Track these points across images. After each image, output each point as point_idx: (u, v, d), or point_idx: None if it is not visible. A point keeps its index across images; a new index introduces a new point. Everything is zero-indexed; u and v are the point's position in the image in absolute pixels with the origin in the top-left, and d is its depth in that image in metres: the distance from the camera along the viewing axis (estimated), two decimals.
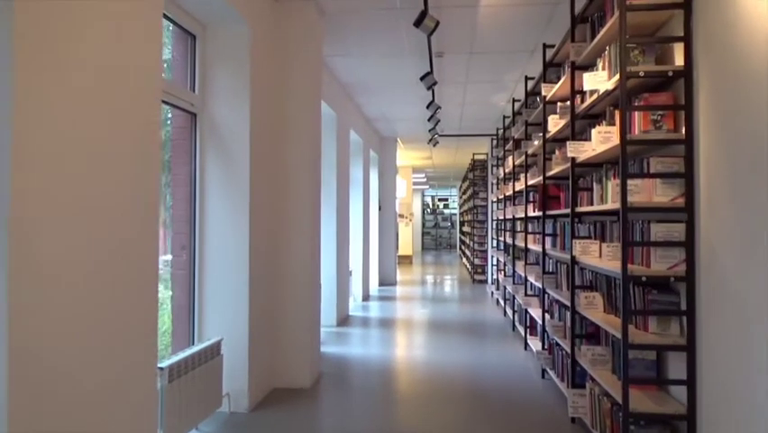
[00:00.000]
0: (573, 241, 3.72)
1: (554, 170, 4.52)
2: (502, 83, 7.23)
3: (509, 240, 7.68)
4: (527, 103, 6.12)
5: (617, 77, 2.90)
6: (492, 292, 10.03)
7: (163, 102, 3.60)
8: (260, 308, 4.20)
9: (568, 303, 3.96)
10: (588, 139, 3.84)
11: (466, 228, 16.60)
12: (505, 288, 8.01)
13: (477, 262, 12.64)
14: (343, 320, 7.67)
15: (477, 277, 12.50)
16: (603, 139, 3.18)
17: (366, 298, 9.83)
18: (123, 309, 2.43)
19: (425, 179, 21.54)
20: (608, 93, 3.21)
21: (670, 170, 2.79)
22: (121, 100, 2.41)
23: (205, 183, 3.97)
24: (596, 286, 3.71)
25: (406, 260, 18.18)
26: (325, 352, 5.90)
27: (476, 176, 12.85)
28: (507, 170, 7.76)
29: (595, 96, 3.41)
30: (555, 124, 4.48)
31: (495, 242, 10.03)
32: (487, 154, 12.34)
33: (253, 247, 4.02)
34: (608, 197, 3.39)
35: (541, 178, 5.03)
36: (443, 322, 7.75)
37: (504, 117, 8.28)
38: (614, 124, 3.24)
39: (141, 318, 2.58)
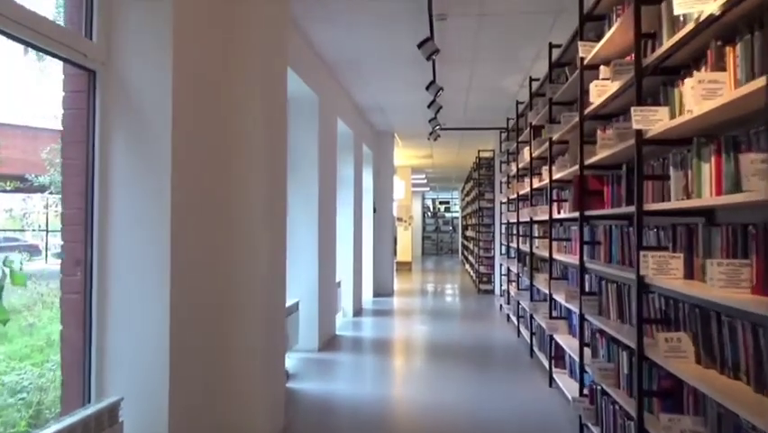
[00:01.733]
0: (642, 254, 2.53)
1: (599, 155, 3.34)
2: (516, 61, 6.05)
3: (524, 247, 6.49)
4: (552, 77, 4.93)
5: None
6: (501, 305, 8.83)
7: (41, 50, 2.43)
8: (189, 343, 3.01)
9: (628, 342, 2.77)
10: (660, 103, 2.66)
11: (470, 233, 15.41)
12: (518, 303, 6.82)
13: (482, 270, 11.45)
14: (328, 343, 6.46)
15: (482, 287, 11.30)
16: (706, 93, 2.00)
17: (358, 312, 8.64)
18: None
19: (425, 181, 20.37)
20: (711, 20, 2.03)
21: None
22: None
23: (109, 171, 2.77)
24: (676, 321, 2.51)
25: (405, 266, 16.99)
26: (299, 390, 4.70)
27: (481, 175, 11.67)
28: (521, 165, 6.57)
29: (684, 32, 2.22)
30: (601, 92, 3.29)
31: (504, 248, 8.83)
32: (493, 151, 11.16)
33: (178, 260, 2.83)
34: (701, 187, 2.21)
35: (576, 168, 3.84)
36: (446, 344, 6.54)
37: (517, 104, 7.10)
38: (723, 69, 2.05)
39: None
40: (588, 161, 3.59)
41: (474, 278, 12.73)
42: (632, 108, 2.55)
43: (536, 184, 5.66)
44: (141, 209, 2.76)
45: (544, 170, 5.03)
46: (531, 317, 5.85)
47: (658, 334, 2.39)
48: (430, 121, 8.04)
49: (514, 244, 7.49)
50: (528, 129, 5.92)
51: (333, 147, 6.95)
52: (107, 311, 2.74)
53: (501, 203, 8.93)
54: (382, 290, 10.75)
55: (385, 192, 11.00)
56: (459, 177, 19.67)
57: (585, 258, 3.79)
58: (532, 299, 5.79)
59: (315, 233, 6.00)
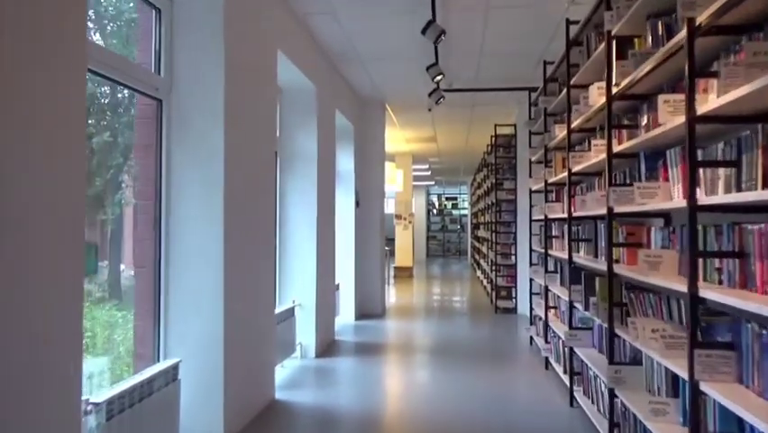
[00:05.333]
0: None
1: None
2: None
3: (584, 260, 3.84)
4: None
5: None
6: (532, 338, 6.17)
7: None
8: None
9: None
10: None
11: (482, 232, 12.73)
12: (571, 352, 4.15)
13: (500, 281, 8.77)
14: (254, 422, 3.83)
15: (500, 304, 8.62)
16: None
17: (327, 349, 5.98)
18: None
19: (429, 173, 17.68)
20: None
21: None
22: None
23: None
24: None
25: (404, 272, 14.32)
26: None
27: (499, 158, 8.99)
28: (579, 122, 3.89)
29: None
30: None
31: (537, 257, 6.18)
32: (515, 126, 8.50)
33: None
34: None
35: None
36: (456, 423, 3.90)
37: (568, 25, 4.41)
38: None
39: None
40: None
41: (489, 291, 10.06)
42: None
43: (627, 143, 3.00)
44: None
45: (665, 104, 2.34)
46: (610, 392, 3.18)
47: None
48: (429, 68, 5.41)
49: (559, 253, 4.84)
50: (603, 47, 3.24)
51: (270, 98, 4.31)
52: None
53: (531, 191, 6.28)
54: (369, 310, 8.11)
55: (373, 181, 8.35)
56: (468, 168, 16.98)
57: None
58: (613, 360, 3.13)
59: (219, 236, 3.36)
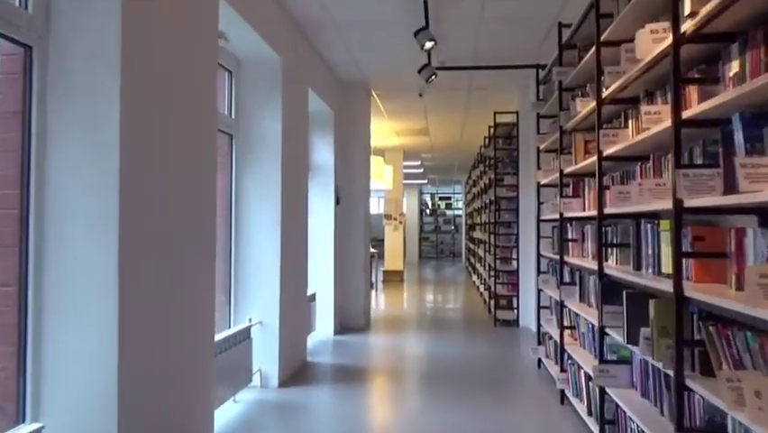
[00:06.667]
0: None
1: None
2: None
3: (616, 270, 2.85)
4: None
5: None
6: (540, 360, 5.18)
7: None
8: None
9: None
10: None
11: (478, 234, 11.74)
12: (602, 394, 3.17)
13: (499, 289, 7.78)
14: None
15: (500, 315, 7.62)
16: None
17: (294, 376, 4.96)
18: None
19: (421, 170, 16.68)
20: None
21: None
22: None
23: None
24: None
25: (394, 277, 13.30)
26: None
27: (499, 150, 8.00)
28: (615, 87, 2.90)
29: None
30: None
31: (546, 264, 5.19)
32: (517, 114, 7.52)
33: None
34: None
35: None
36: None
37: None
38: None
39: None
40: None
41: (486, 299, 9.07)
42: None
43: (711, 101, 2.01)
44: None
45: None
46: None
47: None
48: (417, 33, 4.43)
49: (578, 260, 3.86)
50: None
51: (207, 58, 3.30)
52: None
53: (540, 186, 5.29)
54: (350, 323, 7.09)
55: (356, 176, 7.34)
56: (462, 165, 16.01)
57: None
58: (683, 426, 2.14)
59: (113, 241, 2.35)
